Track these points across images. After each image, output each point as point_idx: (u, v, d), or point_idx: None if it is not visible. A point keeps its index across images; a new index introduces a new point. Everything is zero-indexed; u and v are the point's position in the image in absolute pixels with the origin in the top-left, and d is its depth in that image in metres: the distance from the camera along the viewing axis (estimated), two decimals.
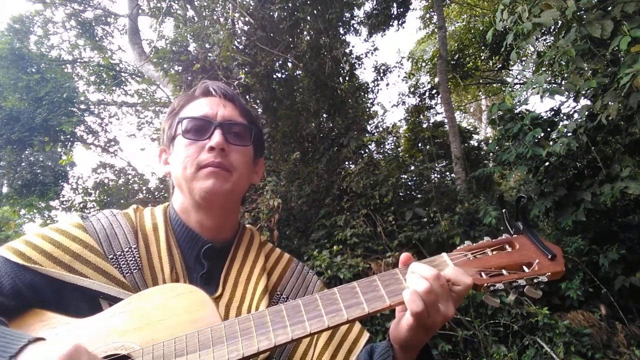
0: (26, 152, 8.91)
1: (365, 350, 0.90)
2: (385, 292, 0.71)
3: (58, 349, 0.55)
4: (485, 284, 0.73)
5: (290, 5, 7.06)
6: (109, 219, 0.88)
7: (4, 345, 0.58)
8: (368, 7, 9.16)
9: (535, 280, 0.73)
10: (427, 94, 10.20)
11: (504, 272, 0.74)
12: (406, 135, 10.14)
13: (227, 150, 0.89)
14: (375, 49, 8.75)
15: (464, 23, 12.60)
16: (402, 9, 9.20)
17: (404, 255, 0.78)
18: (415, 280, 0.70)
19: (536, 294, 0.73)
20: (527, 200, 0.82)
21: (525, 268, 0.75)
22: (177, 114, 0.95)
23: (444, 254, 0.79)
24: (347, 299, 0.71)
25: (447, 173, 9.10)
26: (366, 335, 0.95)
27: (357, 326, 0.95)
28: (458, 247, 0.81)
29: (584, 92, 4.65)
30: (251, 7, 6.95)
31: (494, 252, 0.78)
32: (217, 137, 0.87)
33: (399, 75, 16.99)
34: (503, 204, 0.87)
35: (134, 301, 0.75)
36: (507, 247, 0.80)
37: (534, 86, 4.05)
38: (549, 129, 5.24)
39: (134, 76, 10.88)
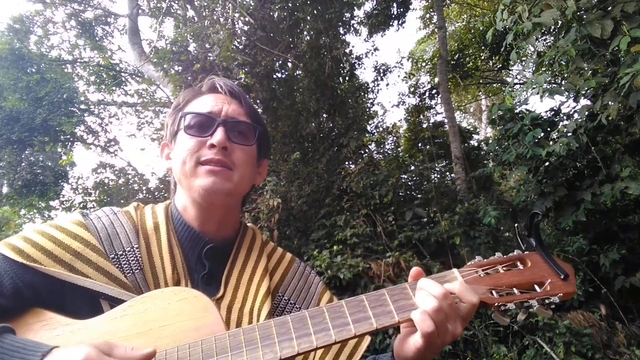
0: (26, 152, 8.91)
1: None
2: (394, 307, 0.70)
3: (73, 353, 0.56)
4: (496, 303, 0.71)
5: (290, 5, 7.06)
6: (110, 217, 0.86)
7: (23, 357, 0.58)
8: (368, 7, 9.17)
9: (546, 301, 0.72)
10: (427, 94, 10.19)
11: (515, 291, 0.73)
12: (406, 135, 10.13)
13: (230, 148, 0.86)
14: (375, 49, 8.76)
15: (464, 23, 12.59)
16: (402, 9, 9.19)
17: (414, 270, 0.76)
18: (424, 299, 0.68)
19: (547, 314, 0.73)
20: (540, 216, 0.79)
21: (537, 287, 0.73)
22: (182, 109, 0.93)
23: (454, 270, 0.77)
24: (354, 312, 0.69)
25: (447, 173, 9.09)
26: (367, 339, 0.94)
27: None
28: (469, 263, 0.80)
29: (584, 92, 4.65)
30: (251, 7, 6.96)
31: (505, 269, 0.77)
32: (219, 134, 0.85)
33: (399, 75, 17.03)
34: (515, 218, 0.86)
35: (136, 304, 0.73)
36: (518, 264, 0.78)
37: (534, 86, 4.05)
38: (549, 129, 5.24)
39: (134, 76, 10.88)
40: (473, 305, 0.70)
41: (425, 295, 0.69)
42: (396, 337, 0.79)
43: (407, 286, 0.74)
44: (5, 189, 9.79)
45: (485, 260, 0.79)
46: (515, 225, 0.84)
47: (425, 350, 0.69)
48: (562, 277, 0.73)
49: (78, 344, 0.58)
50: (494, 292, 0.73)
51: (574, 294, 0.74)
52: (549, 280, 0.73)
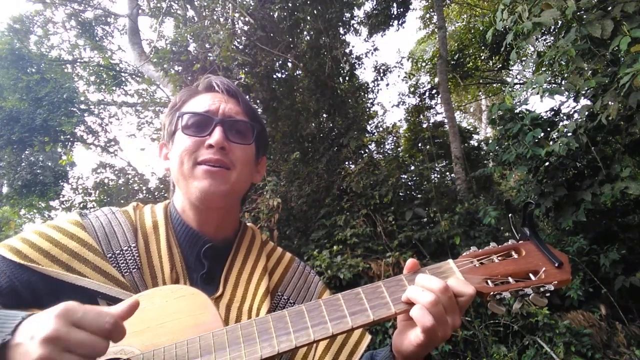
0: (26, 152, 8.92)
1: (366, 357, 0.89)
2: (390, 299, 0.70)
3: (48, 314, 0.53)
4: (492, 293, 0.72)
5: (290, 5, 7.06)
6: (108, 216, 0.86)
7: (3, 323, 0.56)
8: (368, 7, 9.18)
9: (541, 289, 0.72)
10: (427, 94, 10.20)
11: (510, 279, 0.73)
12: (406, 135, 10.13)
13: (228, 148, 0.86)
14: (375, 49, 8.76)
15: (464, 23, 12.60)
16: (402, 9, 9.20)
17: (410, 262, 0.76)
18: (421, 294, 0.68)
19: (542, 302, 0.72)
20: (534, 206, 0.80)
21: (531, 276, 0.74)
22: (179, 109, 0.93)
23: (450, 261, 0.77)
24: (351, 305, 0.69)
25: (447, 173, 9.09)
26: (368, 338, 0.94)
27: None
28: (464, 253, 0.80)
29: (584, 92, 4.65)
30: (251, 7, 6.96)
31: (500, 259, 0.77)
32: (217, 134, 0.85)
33: (399, 75, 17.08)
34: (510, 209, 0.86)
35: None
36: (513, 253, 0.79)
37: (534, 86, 4.05)
38: (549, 129, 5.24)
39: (134, 76, 10.89)
40: (470, 296, 0.70)
41: (424, 291, 0.68)
42: None
43: (403, 278, 0.74)
44: (5, 189, 9.79)
45: (480, 250, 0.79)
46: (510, 215, 0.85)
47: (426, 345, 0.69)
48: (556, 265, 0.73)
49: (48, 312, 0.54)
50: (489, 281, 0.73)
51: (569, 282, 0.74)
52: (544, 269, 0.73)
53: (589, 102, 4.84)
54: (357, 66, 8.51)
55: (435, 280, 0.70)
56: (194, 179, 0.84)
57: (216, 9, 7.09)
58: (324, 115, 8.15)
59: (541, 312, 4.44)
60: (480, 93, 14.60)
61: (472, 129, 12.70)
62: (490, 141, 7.00)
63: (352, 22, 8.39)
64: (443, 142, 9.42)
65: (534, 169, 5.45)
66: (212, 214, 0.89)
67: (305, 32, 7.77)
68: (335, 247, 5.38)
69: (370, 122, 9.31)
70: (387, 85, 15.72)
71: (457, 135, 7.99)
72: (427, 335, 0.67)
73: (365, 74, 19.23)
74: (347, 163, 7.41)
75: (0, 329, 0.55)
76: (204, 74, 5.71)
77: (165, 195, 9.28)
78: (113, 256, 0.81)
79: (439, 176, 8.97)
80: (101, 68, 10.74)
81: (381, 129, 9.35)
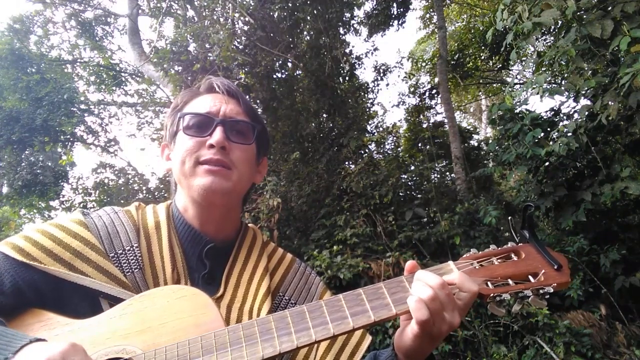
0: (26, 152, 8.91)
1: (369, 357, 0.89)
2: (391, 300, 0.71)
3: (54, 346, 0.56)
4: (492, 294, 0.72)
5: (290, 5, 7.06)
6: (111, 216, 0.87)
7: (5, 344, 0.58)
8: (368, 7, 9.19)
9: (541, 291, 0.73)
10: (427, 94, 10.20)
11: (510, 282, 0.74)
12: (406, 135, 10.13)
13: (228, 148, 0.87)
14: (375, 49, 8.76)
15: (464, 23, 12.59)
16: (402, 9, 9.21)
17: (410, 263, 0.77)
18: (420, 288, 0.69)
19: (541, 304, 0.73)
20: (534, 208, 0.80)
21: (531, 278, 0.74)
22: (180, 110, 0.94)
23: (450, 262, 0.78)
24: (352, 306, 0.70)
25: (447, 173, 9.09)
26: (368, 339, 0.94)
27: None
28: (464, 255, 0.81)
29: (584, 92, 4.65)
30: (251, 7, 6.96)
31: (500, 261, 0.78)
32: (218, 134, 0.86)
33: (399, 75, 17.06)
34: (510, 211, 0.87)
35: (135, 302, 0.73)
36: (513, 255, 0.79)
37: (534, 86, 4.05)
38: (549, 129, 5.24)
39: (134, 76, 10.89)
40: (473, 294, 0.71)
41: (422, 285, 0.70)
42: None
43: (404, 279, 0.74)
44: (5, 189, 9.79)
45: (480, 252, 0.80)
46: (509, 218, 0.86)
47: (422, 338, 0.70)
48: (555, 267, 0.74)
49: (55, 345, 0.57)
50: (489, 283, 0.74)
51: (568, 284, 0.75)
52: (543, 271, 0.74)
53: (589, 102, 4.84)
54: (357, 66, 8.51)
55: (433, 276, 0.71)
56: (195, 176, 0.85)
57: (216, 9, 7.10)
58: (324, 115, 8.15)
59: (541, 312, 4.44)
60: (480, 93, 14.61)
61: (472, 129, 12.69)
62: (490, 141, 7.00)
63: (352, 22, 8.40)
64: (443, 142, 9.41)
65: (534, 169, 5.45)
66: (213, 212, 0.89)
67: (305, 32, 7.77)
68: (335, 247, 5.38)
69: (370, 122, 9.31)
70: (387, 85, 15.74)
71: (457, 135, 7.99)
72: (422, 327, 0.68)
73: (365, 74, 19.25)
74: (347, 163, 7.41)
75: (5, 347, 0.57)
76: (204, 74, 5.73)
77: (166, 195, 9.29)
78: (115, 256, 0.81)
79: (439, 176, 8.97)
80: (101, 68, 10.74)
81: (381, 129, 9.35)
